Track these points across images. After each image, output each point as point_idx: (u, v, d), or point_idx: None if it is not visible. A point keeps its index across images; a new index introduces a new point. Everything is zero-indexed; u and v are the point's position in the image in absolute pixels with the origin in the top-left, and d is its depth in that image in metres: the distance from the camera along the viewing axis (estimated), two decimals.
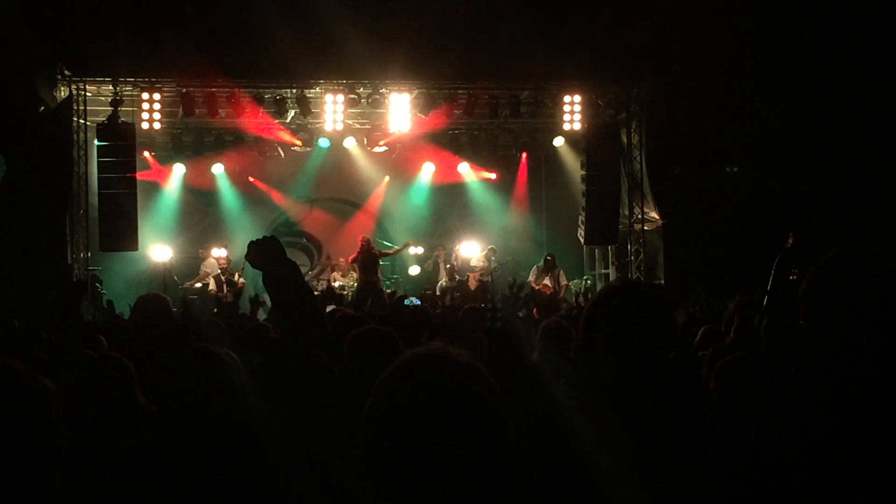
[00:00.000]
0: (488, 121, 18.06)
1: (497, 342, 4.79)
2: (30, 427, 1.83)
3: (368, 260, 16.76)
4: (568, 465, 2.40)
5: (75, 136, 16.27)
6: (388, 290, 17.74)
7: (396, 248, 18.16)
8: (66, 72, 16.05)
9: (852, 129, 14.72)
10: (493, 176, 20.32)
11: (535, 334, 5.16)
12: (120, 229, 15.98)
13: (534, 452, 2.32)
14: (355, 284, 17.28)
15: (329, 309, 8.37)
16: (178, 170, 18.85)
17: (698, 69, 15.41)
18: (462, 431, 1.76)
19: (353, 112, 17.43)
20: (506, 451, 1.81)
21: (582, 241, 18.22)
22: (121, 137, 16.10)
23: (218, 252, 17.23)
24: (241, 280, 17.01)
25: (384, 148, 18.85)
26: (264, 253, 3.38)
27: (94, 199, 16.37)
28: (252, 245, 3.41)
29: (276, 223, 19.92)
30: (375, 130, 17.97)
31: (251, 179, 19.42)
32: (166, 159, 18.58)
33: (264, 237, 3.46)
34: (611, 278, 18.64)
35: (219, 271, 16.94)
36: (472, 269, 17.91)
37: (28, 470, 1.82)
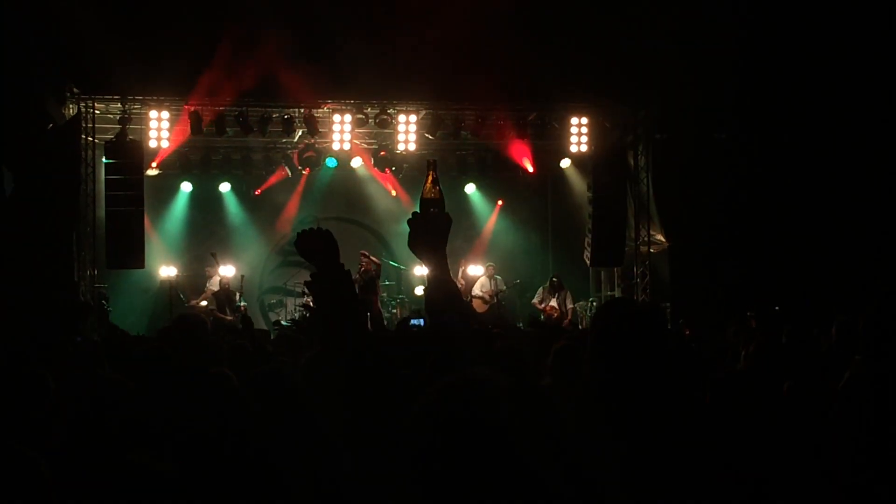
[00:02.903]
0: (495, 142, 18.09)
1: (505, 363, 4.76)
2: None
3: (367, 279, 16.74)
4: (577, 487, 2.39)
5: (83, 153, 16.30)
6: (394, 311, 17.84)
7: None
8: (75, 89, 16.12)
9: (859, 137, 14.73)
10: (499, 202, 20.36)
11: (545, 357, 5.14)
12: (127, 247, 16.00)
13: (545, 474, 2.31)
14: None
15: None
16: (186, 187, 18.92)
17: (704, 90, 15.48)
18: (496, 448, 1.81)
19: (360, 132, 17.47)
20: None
21: (588, 263, 18.18)
22: (128, 155, 16.15)
23: (225, 270, 17.24)
24: (244, 303, 17.01)
25: (391, 168, 18.85)
26: (322, 244, 3.11)
27: (102, 217, 16.39)
28: (307, 234, 3.11)
29: (283, 242, 19.94)
30: (383, 150, 17.97)
31: (257, 193, 19.44)
32: (174, 177, 18.62)
33: (320, 228, 3.16)
34: None
35: (217, 289, 16.94)
36: (477, 294, 17.84)
37: None
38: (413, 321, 13.21)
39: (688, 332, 9.74)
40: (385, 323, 16.25)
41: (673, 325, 9.97)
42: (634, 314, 2.73)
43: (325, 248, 3.10)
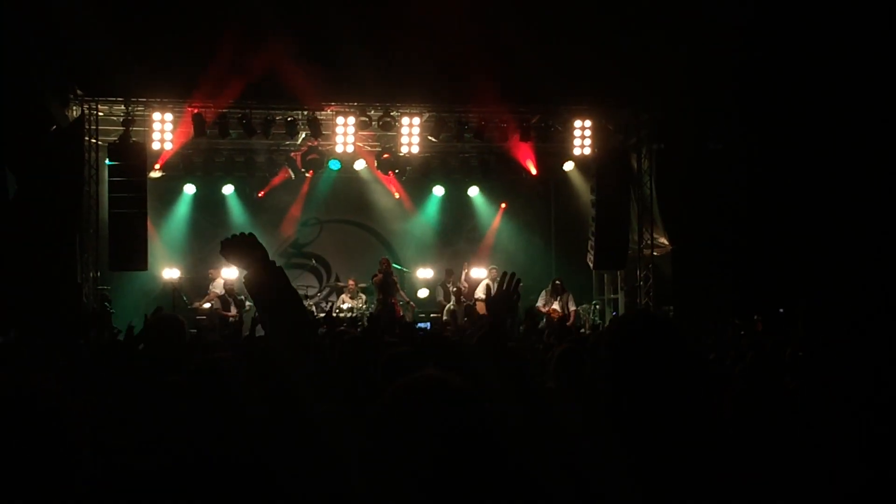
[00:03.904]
0: (498, 145, 18.08)
1: (507, 366, 4.74)
2: (51, 441, 1.87)
3: (387, 281, 16.93)
4: (581, 492, 2.39)
5: (86, 155, 16.30)
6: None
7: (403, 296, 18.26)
8: (79, 91, 16.12)
9: (860, 138, 14.73)
10: (502, 205, 20.39)
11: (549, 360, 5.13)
12: (129, 249, 15.99)
13: (548, 479, 2.31)
14: (364, 307, 17.28)
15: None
16: (189, 189, 18.93)
17: (707, 92, 15.51)
18: (453, 447, 1.86)
19: (363, 134, 17.47)
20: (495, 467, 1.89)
21: (591, 265, 18.17)
22: (131, 157, 16.14)
23: (227, 272, 17.25)
24: (249, 303, 17.04)
25: (394, 170, 18.84)
26: (244, 250, 3.17)
27: (105, 219, 16.39)
28: (229, 242, 3.16)
29: (286, 244, 19.95)
30: (386, 153, 17.94)
31: (260, 195, 19.44)
32: (177, 179, 18.63)
33: (241, 233, 3.23)
34: (620, 304, 18.59)
35: (224, 292, 16.99)
36: (480, 297, 17.83)
37: (47, 481, 1.85)
38: (419, 325, 13.26)
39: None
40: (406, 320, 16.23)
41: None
42: (656, 329, 2.71)
43: (252, 251, 3.13)
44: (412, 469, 1.82)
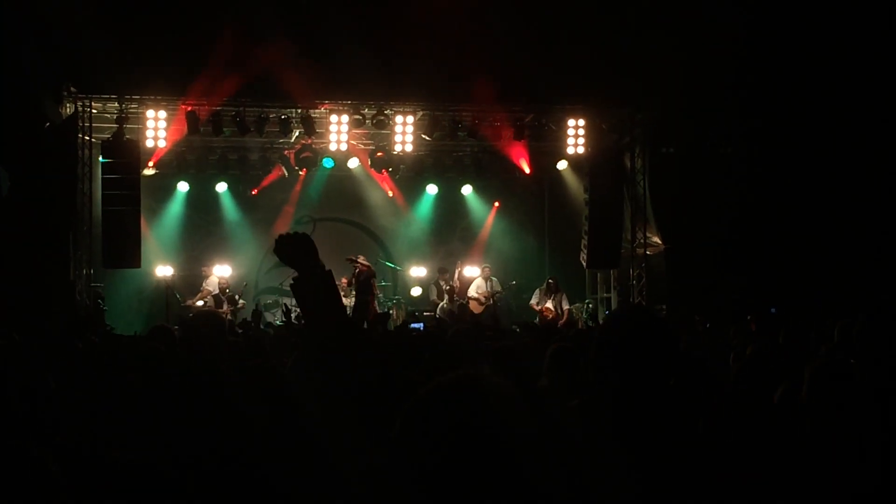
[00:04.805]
0: (492, 143, 18.09)
1: (501, 364, 4.77)
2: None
3: (359, 279, 16.74)
4: (577, 491, 2.40)
5: (80, 152, 16.27)
6: (391, 312, 17.78)
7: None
8: (72, 88, 16.09)
9: (859, 138, 14.76)
10: (495, 203, 20.38)
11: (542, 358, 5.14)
12: (123, 246, 15.98)
13: (544, 477, 2.32)
14: None
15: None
16: (182, 187, 18.91)
17: (701, 92, 15.54)
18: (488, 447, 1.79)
19: (357, 132, 17.46)
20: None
21: (584, 264, 18.19)
22: (125, 155, 16.11)
23: (220, 270, 17.23)
24: (242, 301, 17.03)
25: (388, 168, 18.83)
26: (299, 250, 3.14)
27: (98, 216, 16.37)
28: (284, 239, 3.15)
29: None
30: (380, 151, 17.93)
31: (254, 193, 19.41)
32: (170, 177, 18.61)
33: (296, 232, 3.22)
34: (612, 302, 18.62)
35: (217, 291, 16.97)
36: (473, 295, 17.84)
37: None
38: (413, 325, 13.24)
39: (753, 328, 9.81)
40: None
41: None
42: (649, 324, 2.72)
43: (305, 251, 3.11)
44: (426, 470, 1.80)
